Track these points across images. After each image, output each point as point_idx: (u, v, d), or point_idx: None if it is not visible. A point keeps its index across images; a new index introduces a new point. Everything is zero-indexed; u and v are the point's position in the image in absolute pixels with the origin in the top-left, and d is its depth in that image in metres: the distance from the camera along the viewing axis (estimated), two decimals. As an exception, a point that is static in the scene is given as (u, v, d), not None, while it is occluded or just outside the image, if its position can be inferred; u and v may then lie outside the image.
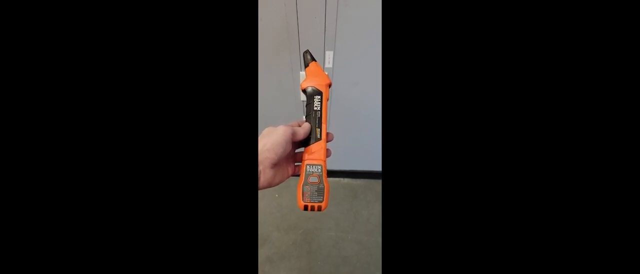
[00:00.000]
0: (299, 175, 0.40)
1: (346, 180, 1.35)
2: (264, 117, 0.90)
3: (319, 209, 0.39)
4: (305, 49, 0.44)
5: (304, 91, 0.42)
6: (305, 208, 0.39)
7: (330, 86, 0.42)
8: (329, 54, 0.84)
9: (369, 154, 1.19)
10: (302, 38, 0.80)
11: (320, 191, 0.39)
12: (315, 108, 0.41)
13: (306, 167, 0.40)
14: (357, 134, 1.11)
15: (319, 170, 0.40)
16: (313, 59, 0.44)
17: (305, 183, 0.39)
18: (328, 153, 0.41)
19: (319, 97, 0.41)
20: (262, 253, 1.17)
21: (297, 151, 0.42)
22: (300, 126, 0.40)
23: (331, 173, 1.34)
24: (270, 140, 0.36)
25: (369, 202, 1.29)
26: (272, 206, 1.28)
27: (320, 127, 0.41)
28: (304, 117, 0.42)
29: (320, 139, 0.40)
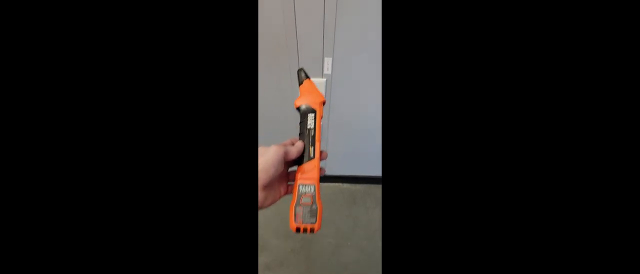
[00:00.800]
0: (291, 193, 0.39)
1: (346, 185, 1.34)
2: (264, 117, 0.90)
3: (312, 231, 0.38)
4: (299, 67, 0.43)
5: (298, 108, 0.41)
6: (298, 230, 0.38)
7: (324, 103, 0.41)
8: (328, 61, 0.83)
9: (368, 159, 1.18)
10: (300, 46, 0.79)
11: (313, 213, 0.38)
12: (308, 126, 0.40)
13: (299, 187, 0.39)
14: (357, 140, 1.10)
15: (312, 190, 0.39)
16: (307, 77, 0.43)
17: (298, 204, 0.38)
18: (322, 172, 0.40)
19: (313, 115, 0.40)
20: (261, 260, 1.16)
21: (290, 169, 0.41)
22: (293, 144, 0.40)
23: (330, 178, 1.33)
24: (262, 160, 0.35)
25: (369, 207, 1.28)
26: (271, 213, 1.27)
27: (313, 145, 0.40)
28: (298, 135, 0.41)
29: (313, 157, 0.39)
